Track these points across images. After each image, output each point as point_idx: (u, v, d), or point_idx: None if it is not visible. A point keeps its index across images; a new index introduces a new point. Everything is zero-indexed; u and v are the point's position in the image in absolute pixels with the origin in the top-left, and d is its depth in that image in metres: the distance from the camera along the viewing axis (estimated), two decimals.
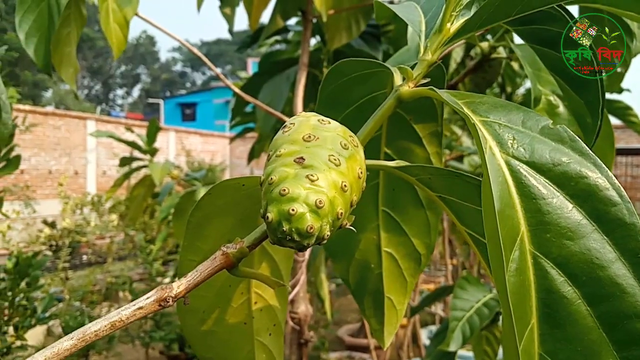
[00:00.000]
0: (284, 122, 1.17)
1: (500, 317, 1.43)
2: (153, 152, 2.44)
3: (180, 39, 1.14)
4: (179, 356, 3.73)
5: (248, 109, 2.03)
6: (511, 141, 0.28)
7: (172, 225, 2.08)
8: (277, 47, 2.30)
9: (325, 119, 0.34)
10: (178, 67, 49.40)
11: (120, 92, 45.55)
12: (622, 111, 1.69)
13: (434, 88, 0.32)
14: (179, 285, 0.30)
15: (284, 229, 0.29)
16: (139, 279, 5.10)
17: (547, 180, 0.27)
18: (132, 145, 2.43)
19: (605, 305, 0.25)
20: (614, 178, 0.27)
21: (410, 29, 0.46)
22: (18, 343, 2.28)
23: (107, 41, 1.00)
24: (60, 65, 1.09)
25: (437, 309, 3.68)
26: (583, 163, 0.27)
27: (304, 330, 1.17)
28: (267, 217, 0.29)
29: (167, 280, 3.96)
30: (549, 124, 0.28)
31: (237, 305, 0.43)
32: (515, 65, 1.25)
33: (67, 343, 0.28)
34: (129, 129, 2.68)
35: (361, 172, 0.32)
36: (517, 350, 0.23)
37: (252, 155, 1.96)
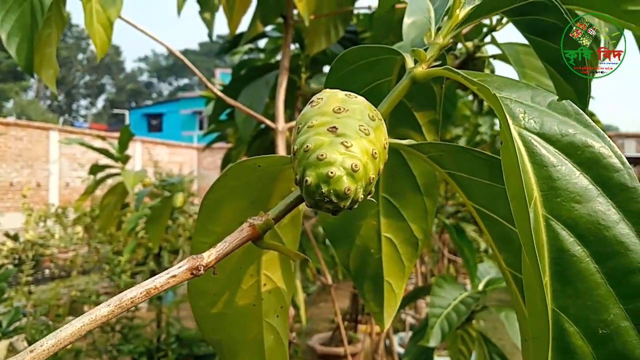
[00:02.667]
0: (265, 124, 1.17)
1: (475, 315, 1.46)
2: (125, 159, 2.41)
3: (166, 44, 1.14)
4: None
5: (222, 117, 2.03)
6: (522, 115, 0.30)
7: (148, 231, 2.06)
8: (246, 57, 2.31)
9: (351, 93, 0.35)
10: (144, 77, 48.74)
11: (84, 102, 44.63)
12: None
13: (450, 67, 0.34)
14: (209, 255, 0.31)
15: (323, 191, 0.31)
16: (104, 292, 4.98)
17: (556, 150, 0.30)
18: (104, 152, 2.40)
19: (612, 262, 0.28)
20: (616, 147, 0.29)
21: (405, 25, 0.48)
22: None
23: (92, 42, 1.00)
24: (40, 67, 1.07)
25: (407, 316, 3.72)
26: (588, 134, 0.30)
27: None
28: (306, 181, 0.31)
29: None
30: (556, 99, 0.31)
31: (246, 288, 0.45)
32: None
33: (105, 310, 0.29)
34: (100, 137, 2.64)
35: (386, 143, 0.34)
36: (544, 302, 0.26)
37: (229, 161, 1.96)
